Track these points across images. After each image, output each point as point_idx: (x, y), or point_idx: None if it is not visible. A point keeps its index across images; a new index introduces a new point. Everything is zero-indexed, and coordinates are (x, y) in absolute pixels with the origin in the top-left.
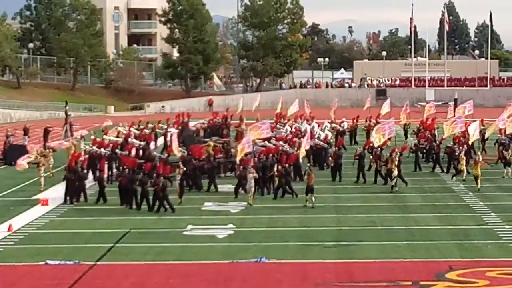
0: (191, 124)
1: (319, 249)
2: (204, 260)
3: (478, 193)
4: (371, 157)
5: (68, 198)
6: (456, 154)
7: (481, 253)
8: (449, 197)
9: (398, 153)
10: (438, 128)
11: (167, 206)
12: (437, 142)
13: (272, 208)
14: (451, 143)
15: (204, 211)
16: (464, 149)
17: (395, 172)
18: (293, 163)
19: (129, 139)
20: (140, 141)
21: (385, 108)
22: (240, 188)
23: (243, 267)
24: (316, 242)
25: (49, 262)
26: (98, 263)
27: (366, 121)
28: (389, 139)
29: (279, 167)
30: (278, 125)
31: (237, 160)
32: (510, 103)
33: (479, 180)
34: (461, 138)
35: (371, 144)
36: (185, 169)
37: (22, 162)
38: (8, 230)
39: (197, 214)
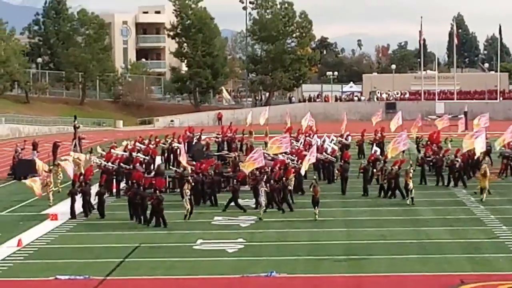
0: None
1: (330, 263)
2: (214, 274)
3: (489, 206)
4: (374, 170)
5: (74, 212)
6: (457, 166)
7: (492, 267)
8: (460, 210)
9: (397, 167)
10: (451, 141)
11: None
12: (440, 155)
13: (282, 222)
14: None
15: (214, 225)
16: (485, 163)
17: (411, 185)
18: (289, 177)
19: (134, 154)
20: (145, 155)
21: (395, 121)
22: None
23: (254, 281)
24: (326, 256)
25: (58, 277)
26: (107, 278)
27: (374, 134)
28: (402, 152)
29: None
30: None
31: (246, 172)
32: None
33: (484, 193)
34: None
35: (373, 158)
36: (193, 184)
37: (34, 185)
38: (18, 245)
39: (207, 228)
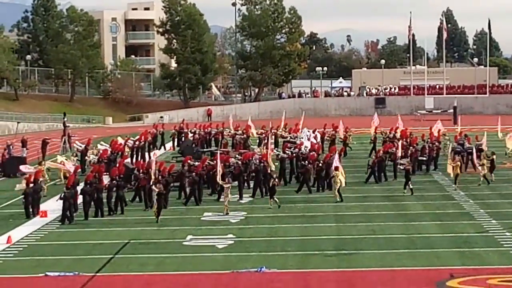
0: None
1: (320, 258)
2: (204, 270)
3: (479, 201)
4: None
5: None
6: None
7: (482, 261)
8: (450, 204)
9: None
10: (445, 135)
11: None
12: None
13: (272, 218)
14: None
15: (203, 221)
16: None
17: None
18: None
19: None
20: (112, 152)
21: (374, 123)
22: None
23: (244, 277)
24: (316, 251)
25: (48, 273)
26: (97, 274)
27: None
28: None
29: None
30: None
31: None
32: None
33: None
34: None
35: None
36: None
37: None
38: (7, 242)
39: (197, 224)
